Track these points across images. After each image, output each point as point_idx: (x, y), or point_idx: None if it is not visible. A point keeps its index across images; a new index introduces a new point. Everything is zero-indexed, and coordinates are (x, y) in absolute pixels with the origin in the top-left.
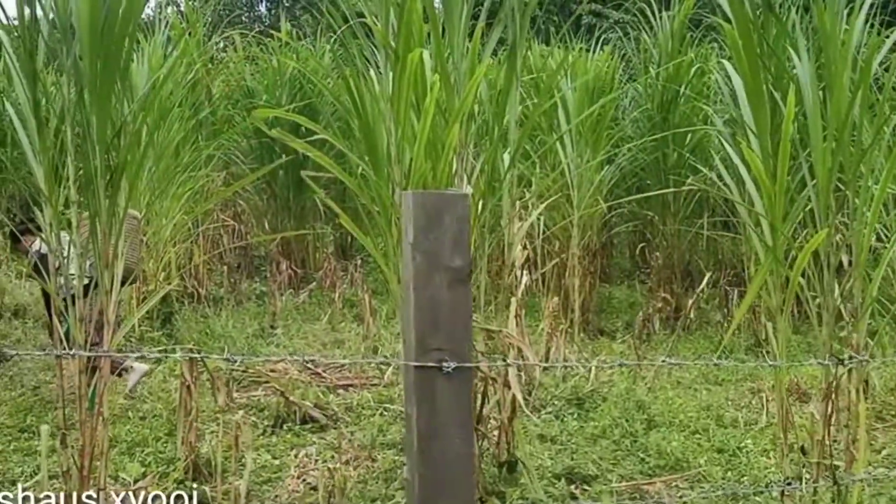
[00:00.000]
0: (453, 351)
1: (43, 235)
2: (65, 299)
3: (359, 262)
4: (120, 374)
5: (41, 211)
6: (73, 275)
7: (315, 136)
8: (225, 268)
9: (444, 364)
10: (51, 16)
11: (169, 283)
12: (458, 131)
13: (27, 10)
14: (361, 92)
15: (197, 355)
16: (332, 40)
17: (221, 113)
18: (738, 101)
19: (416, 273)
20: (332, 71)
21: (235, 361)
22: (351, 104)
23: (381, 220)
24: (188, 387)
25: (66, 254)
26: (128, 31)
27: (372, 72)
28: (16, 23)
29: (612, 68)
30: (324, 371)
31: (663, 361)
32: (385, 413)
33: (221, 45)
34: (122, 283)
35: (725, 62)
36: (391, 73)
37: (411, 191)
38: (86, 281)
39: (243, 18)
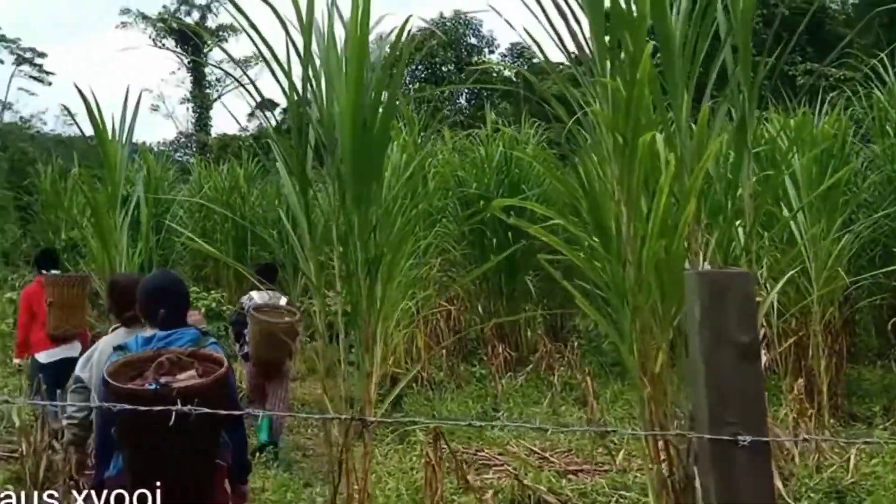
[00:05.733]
0: (746, 425)
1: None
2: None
3: (575, 344)
4: None
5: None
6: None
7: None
8: (443, 351)
9: (740, 437)
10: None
11: (405, 368)
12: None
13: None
14: (590, 174)
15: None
16: (537, 125)
17: (436, 203)
18: None
19: (704, 349)
20: (539, 154)
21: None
22: (578, 186)
23: (614, 298)
24: (433, 466)
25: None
26: (383, 139)
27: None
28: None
29: (843, 131)
30: (551, 455)
31: None
32: (622, 500)
33: (430, 139)
34: None
35: None
36: (615, 154)
37: (695, 270)
38: None
39: (446, 112)
